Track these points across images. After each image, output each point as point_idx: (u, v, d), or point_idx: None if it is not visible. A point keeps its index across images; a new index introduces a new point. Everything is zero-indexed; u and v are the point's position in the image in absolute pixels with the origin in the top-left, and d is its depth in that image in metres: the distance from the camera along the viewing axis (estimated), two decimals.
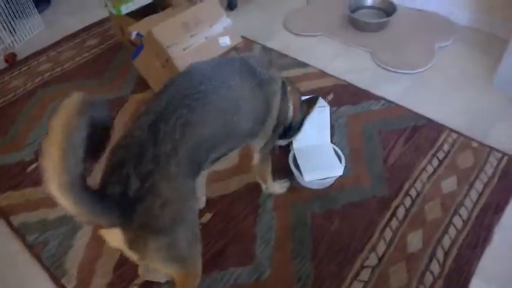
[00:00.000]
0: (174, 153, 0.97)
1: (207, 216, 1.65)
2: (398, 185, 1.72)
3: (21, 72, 2.44)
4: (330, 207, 1.66)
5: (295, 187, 1.73)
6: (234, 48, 2.38)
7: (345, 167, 1.74)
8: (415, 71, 2.30)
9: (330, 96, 2.16)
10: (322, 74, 2.31)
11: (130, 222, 0.92)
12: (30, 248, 1.59)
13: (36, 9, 2.73)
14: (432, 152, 1.85)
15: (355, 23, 2.63)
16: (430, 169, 1.78)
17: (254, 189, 1.71)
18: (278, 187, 1.72)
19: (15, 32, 2.64)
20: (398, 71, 2.31)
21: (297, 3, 2.92)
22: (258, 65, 1.28)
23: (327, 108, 1.85)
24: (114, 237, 0.95)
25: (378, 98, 2.13)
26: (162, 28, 2.06)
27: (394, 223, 1.60)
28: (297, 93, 1.54)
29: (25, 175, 1.84)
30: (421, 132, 1.94)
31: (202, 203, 1.67)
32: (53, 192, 0.77)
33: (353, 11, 2.68)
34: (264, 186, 1.68)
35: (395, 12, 2.59)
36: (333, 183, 1.73)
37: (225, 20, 2.25)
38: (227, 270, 1.48)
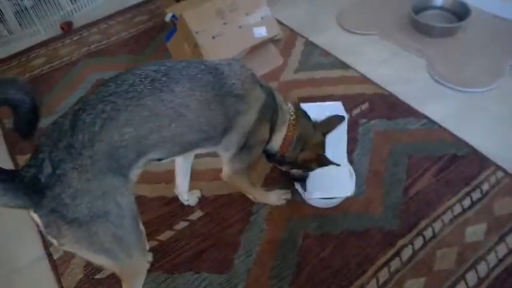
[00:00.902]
0: (90, 145, 0.94)
1: (198, 213, 1.59)
2: (413, 220, 1.50)
3: (72, 41, 2.56)
4: (328, 230, 1.50)
5: (296, 200, 1.59)
6: (272, 40, 2.25)
7: (358, 188, 1.55)
8: (473, 90, 1.97)
9: (364, 106, 1.94)
10: (363, 80, 2.08)
11: (40, 207, 0.92)
12: None
13: None
14: (466, 190, 1.57)
15: (417, 25, 2.32)
16: (457, 209, 1.52)
17: None
18: (276, 198, 1.59)
19: (76, 1, 2.77)
20: (455, 87, 2.00)
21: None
22: (233, 77, 1.17)
23: (339, 103, 1.66)
24: (36, 219, 0.95)
25: (419, 116, 1.86)
26: (194, 13, 1.99)
27: (394, 264, 1.39)
28: (305, 122, 1.38)
29: None
30: (460, 163, 1.66)
31: (193, 200, 1.62)
32: None
33: (418, 11, 2.36)
34: (251, 197, 1.56)
35: (468, 17, 2.23)
36: (339, 204, 1.56)
37: (265, 9, 2.12)
38: (200, 274, 1.41)
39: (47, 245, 1.55)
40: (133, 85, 1.01)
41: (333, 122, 1.43)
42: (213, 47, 1.99)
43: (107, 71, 2.29)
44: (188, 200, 1.61)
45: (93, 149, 0.94)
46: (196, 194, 1.63)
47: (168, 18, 2.12)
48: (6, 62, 2.45)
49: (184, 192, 1.59)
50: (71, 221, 0.93)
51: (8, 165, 1.88)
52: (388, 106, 1.93)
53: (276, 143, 1.35)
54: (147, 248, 1.44)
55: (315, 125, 1.42)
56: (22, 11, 2.61)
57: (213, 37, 2.00)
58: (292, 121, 1.34)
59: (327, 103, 1.81)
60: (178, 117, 1.06)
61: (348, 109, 1.90)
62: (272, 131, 1.31)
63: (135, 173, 1.08)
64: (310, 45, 2.33)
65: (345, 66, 2.17)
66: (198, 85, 1.09)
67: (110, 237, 0.99)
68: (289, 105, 1.37)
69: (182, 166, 1.53)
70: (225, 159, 1.33)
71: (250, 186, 1.49)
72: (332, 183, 1.56)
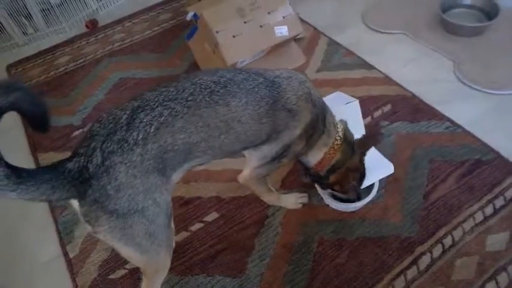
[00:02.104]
0: (143, 144, 0.98)
1: (213, 215, 1.60)
2: (433, 228, 1.46)
3: (97, 40, 2.60)
4: (343, 236, 1.48)
5: (312, 204, 1.58)
6: (294, 39, 2.22)
7: (376, 193, 1.52)
8: (503, 92, 1.89)
9: (387, 108, 1.89)
10: (386, 81, 2.03)
11: (85, 196, 0.95)
12: (52, 209, 1.72)
13: None
14: (490, 196, 1.51)
15: (445, 24, 2.24)
16: (479, 217, 1.46)
17: None
18: (292, 202, 1.57)
19: (101, 0, 2.82)
20: (483, 89, 1.92)
21: None
22: (292, 92, 1.18)
23: (356, 102, 1.62)
24: (75, 209, 1.00)
25: (442, 118, 1.80)
26: (214, 12, 1.99)
27: (411, 272, 1.36)
28: (345, 154, 1.34)
29: (69, 139, 1.99)
30: (484, 169, 1.60)
31: None
32: None
33: (446, 9, 2.27)
34: (265, 199, 1.56)
35: (497, 16, 2.13)
36: (358, 209, 1.53)
37: (287, 8, 2.09)
38: (213, 277, 1.42)
39: (63, 243, 1.60)
40: (193, 94, 1.05)
41: (370, 140, 1.40)
42: (234, 46, 1.98)
43: (130, 69, 2.33)
44: None
45: (145, 148, 0.98)
46: None
47: (189, 17, 2.12)
48: (32, 60, 2.52)
49: None
50: (110, 211, 0.97)
51: (29, 162, 1.94)
52: (411, 108, 1.87)
53: (313, 159, 1.35)
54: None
55: (354, 146, 1.38)
56: (48, 9, 2.67)
57: (234, 36, 1.99)
58: (336, 145, 1.32)
59: (328, 96, 1.75)
60: (228, 130, 1.10)
61: (369, 111, 1.87)
62: (309, 147, 1.30)
63: (178, 176, 1.12)
64: (333, 45, 2.29)
65: (368, 66, 2.12)
66: (254, 99, 1.11)
67: (142, 231, 1.03)
68: (339, 128, 1.34)
69: None
70: (251, 164, 1.33)
71: (266, 190, 1.50)
72: (370, 167, 1.46)
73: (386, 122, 1.82)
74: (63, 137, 2.00)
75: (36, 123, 0.94)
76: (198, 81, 1.08)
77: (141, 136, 0.97)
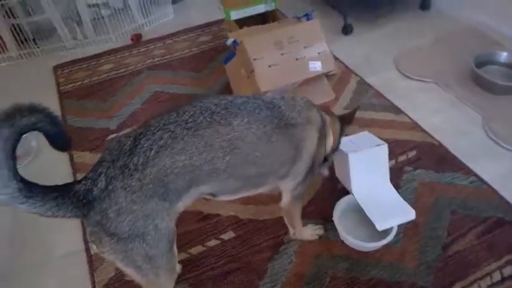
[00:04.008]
0: (142, 169, 1.00)
1: (230, 234, 1.62)
2: (448, 281, 1.44)
3: (139, 53, 2.74)
4: (357, 275, 1.47)
5: (328, 237, 1.58)
6: (326, 75, 2.29)
7: (394, 236, 1.52)
8: None
9: (412, 153, 1.91)
10: (413, 126, 2.05)
11: (88, 218, 1.00)
12: None
13: (170, 0, 3.04)
14: (509, 257, 1.49)
15: (478, 80, 2.26)
16: (496, 277, 1.44)
17: (285, 224, 1.61)
18: (309, 234, 1.59)
19: (148, 16, 2.98)
20: (510, 148, 1.92)
21: (420, 41, 2.64)
22: (290, 109, 1.21)
23: (385, 147, 1.63)
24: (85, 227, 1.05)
25: (468, 172, 1.80)
26: (253, 40, 2.08)
27: None
28: (336, 120, 1.44)
29: (104, 141, 2.09)
30: (506, 229, 1.57)
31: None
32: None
33: (480, 65, 2.31)
34: (291, 231, 1.57)
35: None
36: (374, 250, 1.53)
37: (323, 45, 2.17)
38: None
39: (86, 239, 1.64)
40: (193, 116, 1.07)
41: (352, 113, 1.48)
42: (268, 75, 2.06)
43: (166, 84, 2.44)
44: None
45: (144, 172, 1.00)
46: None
47: (229, 42, 2.22)
48: (78, 63, 2.67)
49: None
50: (111, 234, 1.01)
51: (65, 158, 2.02)
52: (437, 157, 1.88)
53: (329, 144, 1.40)
54: (177, 269, 1.40)
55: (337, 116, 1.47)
56: (99, 18, 2.84)
57: (269, 66, 2.07)
58: (331, 122, 1.39)
59: (356, 135, 1.79)
60: (233, 150, 1.09)
61: (394, 154, 1.88)
62: (325, 140, 1.36)
63: (184, 203, 1.13)
64: (363, 85, 2.34)
65: (396, 110, 2.15)
66: (256, 119, 1.13)
67: (142, 256, 1.06)
68: (320, 111, 1.37)
69: None
70: (289, 188, 1.35)
71: (299, 219, 1.52)
72: (391, 211, 1.53)
73: (410, 168, 1.83)
74: (99, 139, 2.10)
75: (57, 142, 0.99)
76: (199, 104, 1.10)
77: (141, 161, 1.00)
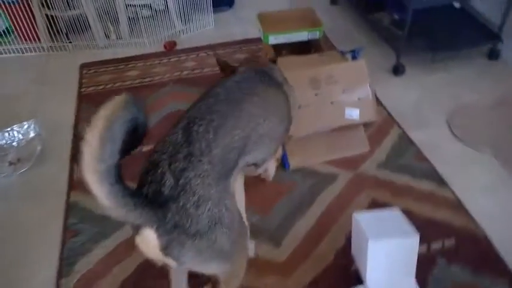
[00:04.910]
0: (208, 151, 1.01)
1: None
2: None
3: (169, 62, 2.58)
4: None
5: None
6: (365, 125, 2.00)
7: None
8: None
9: (449, 242, 1.59)
10: (456, 205, 1.73)
11: (164, 222, 0.92)
12: (64, 229, 1.65)
13: (212, 9, 2.86)
14: None
15: None
16: None
17: None
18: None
19: (187, 23, 2.82)
20: None
21: (481, 97, 2.28)
22: (271, 69, 1.44)
23: (416, 239, 1.34)
24: (149, 244, 0.94)
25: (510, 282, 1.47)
26: (287, 76, 1.84)
27: None
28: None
29: None
30: None
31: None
32: (88, 179, 0.79)
33: None
34: (272, 169, 1.79)
35: None
36: None
37: (365, 90, 1.89)
38: None
39: (61, 272, 1.50)
40: (227, 94, 1.16)
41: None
42: (296, 117, 1.82)
43: (189, 103, 2.25)
44: None
45: (211, 154, 1.01)
46: None
47: None
48: (105, 65, 2.55)
49: None
50: (193, 234, 0.95)
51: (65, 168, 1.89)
52: (478, 253, 1.55)
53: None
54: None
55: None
56: (138, 19, 2.70)
57: (300, 106, 1.82)
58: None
59: (385, 211, 1.53)
60: (268, 115, 1.23)
61: (427, 238, 1.58)
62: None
63: (234, 177, 1.14)
64: (405, 140, 2.04)
65: (439, 180, 1.83)
66: (266, 84, 1.31)
67: (226, 241, 1.02)
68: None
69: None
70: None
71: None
72: None
73: (444, 260, 1.52)
74: None
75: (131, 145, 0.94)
76: (223, 85, 1.20)
77: (204, 145, 1.00)
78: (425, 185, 1.81)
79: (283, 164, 1.90)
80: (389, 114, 2.19)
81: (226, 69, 1.55)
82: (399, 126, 2.11)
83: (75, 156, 1.96)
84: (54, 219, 1.70)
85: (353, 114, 1.88)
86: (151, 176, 0.96)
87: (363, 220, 1.44)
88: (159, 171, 0.95)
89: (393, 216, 1.48)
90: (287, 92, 1.44)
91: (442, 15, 2.60)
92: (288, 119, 1.43)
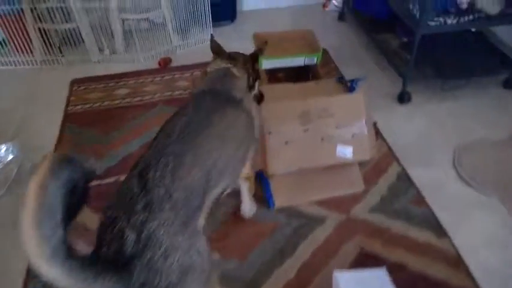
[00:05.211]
0: (168, 197, 0.95)
1: None
2: None
3: (162, 81, 2.47)
4: None
5: None
6: (360, 164, 1.84)
7: None
8: None
9: None
10: (455, 261, 1.55)
11: (130, 283, 0.84)
12: (28, 270, 1.54)
13: (211, 23, 2.74)
14: None
15: None
16: None
17: None
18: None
19: (186, 39, 2.71)
20: None
21: (493, 133, 2.09)
22: (226, 86, 1.32)
23: None
24: None
25: None
26: (274, 108, 1.70)
27: None
28: (245, 69, 1.47)
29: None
30: None
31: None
32: (36, 264, 0.74)
33: None
34: (248, 204, 1.68)
35: None
36: None
37: (360, 126, 1.73)
38: None
39: None
40: (182, 132, 1.08)
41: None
42: (282, 155, 1.68)
43: None
44: None
45: (172, 199, 0.95)
46: None
47: None
48: (96, 82, 2.46)
49: None
50: None
51: None
52: None
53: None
54: None
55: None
56: (135, 32, 2.60)
57: (286, 143, 1.69)
58: (236, 71, 1.42)
59: (369, 271, 1.38)
60: (226, 141, 1.18)
61: None
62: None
63: (204, 214, 1.10)
64: (404, 180, 1.86)
65: (438, 230, 1.65)
66: (223, 106, 1.23)
67: (198, 286, 0.97)
68: (226, 64, 1.44)
69: None
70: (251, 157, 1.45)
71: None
72: None
73: None
74: None
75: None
76: (178, 121, 1.13)
77: (162, 191, 0.94)
78: (422, 235, 1.64)
79: (267, 202, 1.76)
80: (389, 148, 2.02)
81: (220, 55, 1.52)
82: (399, 163, 1.94)
83: None
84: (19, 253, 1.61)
85: (346, 152, 1.72)
86: (110, 234, 0.89)
87: (344, 281, 1.30)
88: (117, 227, 0.88)
89: (378, 278, 1.32)
90: (247, 107, 1.33)
91: (455, 39, 2.41)
92: (251, 137, 1.36)
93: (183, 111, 1.19)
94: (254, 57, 1.52)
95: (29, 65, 2.59)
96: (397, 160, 1.96)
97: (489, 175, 1.88)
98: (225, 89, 1.31)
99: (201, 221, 1.07)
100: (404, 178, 1.88)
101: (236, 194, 1.69)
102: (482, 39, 2.46)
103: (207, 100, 1.25)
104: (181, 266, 0.91)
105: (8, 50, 2.59)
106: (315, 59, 2.06)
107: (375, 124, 2.09)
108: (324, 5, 3.21)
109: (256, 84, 1.54)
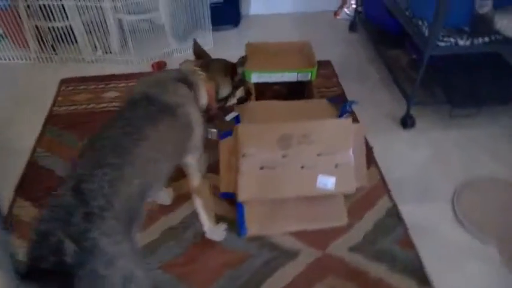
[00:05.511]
0: (110, 206, 0.93)
1: None
2: None
3: None
4: None
5: None
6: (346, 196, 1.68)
7: None
8: None
9: None
10: None
11: None
12: None
13: (210, 27, 2.62)
14: None
15: None
16: None
17: None
18: (218, 233, 1.61)
19: (184, 43, 2.60)
20: None
21: (502, 170, 1.86)
22: (160, 91, 1.25)
23: None
24: None
25: None
26: (251, 129, 1.57)
27: None
28: (215, 73, 1.50)
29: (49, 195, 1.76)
30: None
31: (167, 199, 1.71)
32: None
33: None
34: (206, 227, 1.57)
35: None
36: None
37: (346, 156, 1.58)
38: None
39: None
40: (115, 145, 1.06)
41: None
42: (255, 179, 1.54)
43: None
44: (169, 198, 1.72)
45: (114, 208, 0.94)
46: (170, 191, 1.72)
47: (229, 117, 1.74)
48: (85, 82, 2.38)
49: (163, 193, 1.68)
50: None
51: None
52: None
53: (204, 103, 1.44)
54: None
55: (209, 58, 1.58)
56: (131, 32, 2.50)
57: (261, 168, 1.55)
58: (203, 77, 1.44)
59: None
60: (161, 152, 1.16)
61: None
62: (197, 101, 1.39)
63: (140, 222, 1.09)
64: (393, 217, 1.68)
65: (421, 277, 1.47)
66: (156, 119, 1.17)
67: None
68: (195, 70, 1.45)
69: None
70: (194, 167, 1.41)
71: (212, 201, 1.57)
72: None
73: None
74: (49, 190, 1.69)
75: None
76: (109, 134, 1.10)
77: (103, 201, 0.93)
78: (403, 282, 1.47)
79: (238, 229, 1.62)
80: (382, 179, 1.83)
81: (203, 57, 1.57)
82: (390, 197, 1.76)
83: (20, 186, 1.81)
84: None
85: (327, 183, 1.57)
86: (44, 250, 0.85)
87: None
88: (53, 241, 0.85)
89: None
90: (184, 112, 1.27)
91: (470, 60, 2.18)
92: (186, 145, 1.32)
93: (113, 123, 1.16)
94: (233, 68, 1.55)
95: (23, 60, 2.55)
96: (389, 193, 1.78)
97: (489, 218, 1.67)
98: (158, 95, 1.24)
99: (136, 228, 1.06)
100: (394, 214, 1.70)
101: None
102: (500, 61, 2.23)
103: (139, 108, 1.19)
104: (125, 274, 0.91)
105: (5, 44, 2.55)
106: (309, 75, 1.90)
107: (370, 149, 1.92)
108: (336, 13, 3.03)
109: (238, 92, 1.61)
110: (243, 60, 1.56)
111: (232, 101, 1.64)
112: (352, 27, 2.86)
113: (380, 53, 2.48)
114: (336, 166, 1.57)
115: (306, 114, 1.70)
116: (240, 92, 1.65)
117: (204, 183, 1.48)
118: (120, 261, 0.91)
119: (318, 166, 1.56)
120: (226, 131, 1.75)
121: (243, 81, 1.67)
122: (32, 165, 1.91)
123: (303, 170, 1.56)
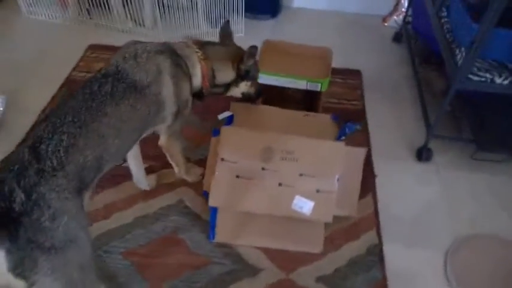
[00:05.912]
0: (61, 167, 1.00)
1: None
2: None
3: None
4: None
5: None
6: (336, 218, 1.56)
7: None
8: None
9: None
10: None
11: (16, 238, 0.89)
12: None
13: (243, 14, 2.52)
14: None
15: None
16: None
17: None
18: (193, 174, 1.68)
19: (214, 27, 2.53)
20: None
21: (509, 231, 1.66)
22: (139, 70, 1.23)
23: None
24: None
25: None
26: (236, 134, 1.50)
27: None
28: (214, 51, 1.46)
29: None
30: None
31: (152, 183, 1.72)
32: None
33: None
34: (177, 170, 1.63)
35: None
36: None
37: (330, 183, 1.47)
38: None
39: None
40: (77, 116, 1.09)
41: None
42: (228, 188, 1.48)
43: None
44: (148, 185, 1.71)
45: (65, 169, 1.01)
46: (154, 177, 1.73)
47: (222, 117, 1.67)
48: (110, 51, 2.35)
49: (142, 177, 1.69)
50: (48, 248, 0.92)
51: None
52: None
53: (198, 84, 1.43)
54: None
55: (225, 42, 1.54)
56: (167, 7, 2.48)
57: (238, 176, 1.48)
58: (200, 57, 1.42)
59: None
60: (119, 131, 1.18)
61: None
62: (190, 79, 1.40)
63: (89, 193, 1.15)
64: (372, 256, 1.54)
65: None
66: (120, 97, 1.18)
67: (77, 266, 1.00)
68: (191, 46, 1.43)
69: (132, 156, 1.59)
70: (163, 130, 1.43)
71: (182, 155, 1.59)
72: None
73: None
74: None
75: None
76: (73, 105, 1.13)
77: (56, 162, 1.00)
78: None
79: (209, 232, 1.58)
80: (375, 212, 1.69)
81: (225, 41, 1.54)
82: (378, 234, 1.62)
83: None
84: None
85: (304, 206, 1.47)
86: None
87: None
88: (6, 188, 0.92)
89: None
90: (154, 91, 1.26)
91: (508, 99, 1.90)
92: (155, 115, 1.31)
93: (81, 94, 1.16)
94: (240, 56, 1.48)
95: (61, 20, 2.63)
96: (378, 229, 1.63)
97: (481, 282, 1.48)
98: (129, 70, 1.23)
99: (85, 198, 1.11)
100: (375, 253, 1.56)
101: (180, 212, 1.59)
102: None
103: (106, 85, 1.19)
104: (66, 231, 0.95)
105: (49, 1, 2.64)
106: (319, 86, 1.76)
107: (374, 177, 1.77)
108: (384, 20, 2.79)
109: (243, 84, 1.55)
110: (252, 51, 1.46)
111: (235, 92, 1.57)
112: (397, 37, 2.62)
113: (417, 71, 2.26)
114: (317, 191, 1.46)
115: (302, 129, 1.58)
116: (246, 87, 1.57)
117: (173, 143, 1.50)
118: (65, 217, 0.96)
119: (297, 186, 1.46)
120: (215, 130, 1.69)
121: (254, 77, 1.59)
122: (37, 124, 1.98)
123: (280, 188, 1.47)
